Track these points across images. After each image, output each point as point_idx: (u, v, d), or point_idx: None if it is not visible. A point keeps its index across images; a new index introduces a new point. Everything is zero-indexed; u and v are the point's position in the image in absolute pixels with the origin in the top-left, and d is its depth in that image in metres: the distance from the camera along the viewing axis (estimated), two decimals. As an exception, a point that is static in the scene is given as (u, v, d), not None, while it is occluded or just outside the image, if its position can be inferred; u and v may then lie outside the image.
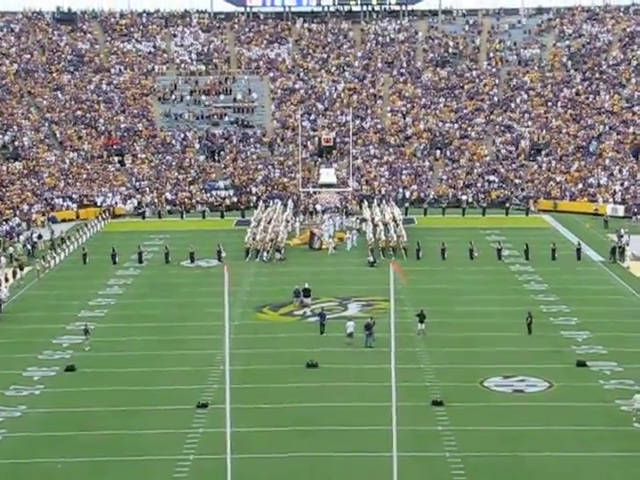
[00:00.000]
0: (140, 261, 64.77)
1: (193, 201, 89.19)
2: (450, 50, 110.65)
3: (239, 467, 27.96)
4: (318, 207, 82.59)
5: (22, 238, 74.38)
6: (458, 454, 32.55)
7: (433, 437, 34.57)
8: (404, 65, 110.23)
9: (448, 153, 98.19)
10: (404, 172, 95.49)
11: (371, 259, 65.57)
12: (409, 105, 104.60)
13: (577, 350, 45.15)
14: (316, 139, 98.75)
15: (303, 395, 38.88)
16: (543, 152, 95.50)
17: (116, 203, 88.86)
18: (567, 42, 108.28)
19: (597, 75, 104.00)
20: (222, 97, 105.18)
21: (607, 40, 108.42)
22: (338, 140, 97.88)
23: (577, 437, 34.98)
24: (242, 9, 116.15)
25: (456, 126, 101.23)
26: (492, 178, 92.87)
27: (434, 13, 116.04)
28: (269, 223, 74.18)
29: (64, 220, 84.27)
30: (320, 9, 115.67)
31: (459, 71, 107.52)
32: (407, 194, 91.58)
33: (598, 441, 34.46)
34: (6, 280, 60.83)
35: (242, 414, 33.74)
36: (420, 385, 39.49)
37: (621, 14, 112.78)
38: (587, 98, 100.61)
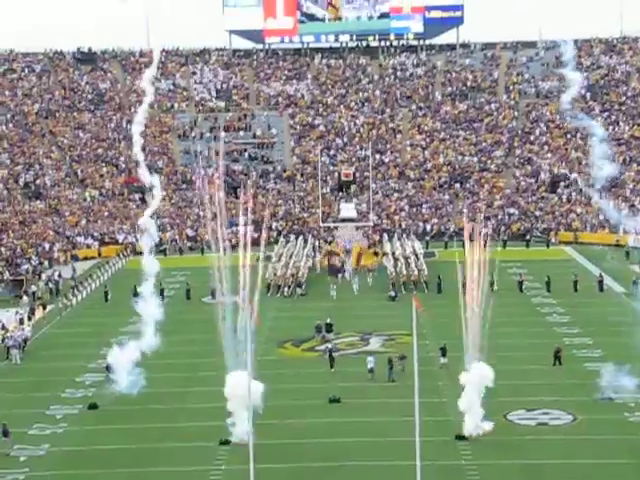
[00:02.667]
0: (162, 297, 65.01)
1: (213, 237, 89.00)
2: (469, 83, 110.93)
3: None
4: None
5: (44, 277, 74.69)
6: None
7: (457, 471, 34.50)
8: (423, 99, 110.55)
9: (468, 186, 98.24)
10: (424, 206, 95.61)
11: (392, 293, 65.60)
12: (428, 139, 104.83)
13: (601, 382, 44.94)
14: (336, 174, 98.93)
15: (326, 431, 38.80)
16: (562, 184, 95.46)
17: (137, 240, 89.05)
18: (585, 74, 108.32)
19: (616, 107, 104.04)
20: (242, 133, 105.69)
21: (625, 71, 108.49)
22: (358, 175, 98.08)
23: (602, 471, 34.81)
24: (260, 46, 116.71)
25: (475, 159, 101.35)
26: (512, 210, 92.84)
27: (452, 47, 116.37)
28: (290, 258, 74.34)
29: (86, 258, 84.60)
30: (338, 45, 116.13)
31: (478, 104, 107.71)
32: (427, 227, 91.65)
33: (623, 475, 34.31)
34: (29, 319, 61.10)
35: (265, 450, 33.69)
36: (444, 419, 39.39)
37: (639, 45, 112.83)
38: (607, 129, 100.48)
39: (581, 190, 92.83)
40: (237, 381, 35.90)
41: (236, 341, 33.99)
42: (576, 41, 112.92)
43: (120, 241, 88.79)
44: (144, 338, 47.60)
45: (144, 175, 62.89)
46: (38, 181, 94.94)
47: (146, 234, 60.29)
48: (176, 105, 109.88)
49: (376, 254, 77.33)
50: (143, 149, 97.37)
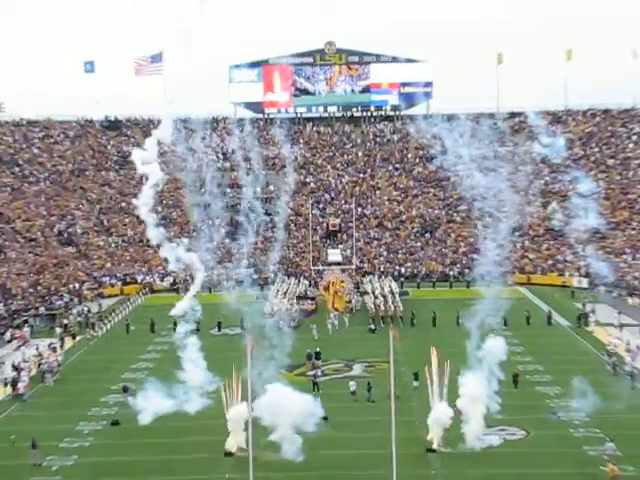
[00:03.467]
0: (175, 330, 64.80)
1: (220, 278, 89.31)
2: (438, 148, 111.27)
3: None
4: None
5: (74, 311, 74.66)
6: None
7: (427, 479, 34.54)
8: (398, 161, 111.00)
9: (437, 235, 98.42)
10: (399, 252, 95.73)
11: (372, 326, 65.59)
12: (403, 194, 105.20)
13: (550, 403, 45.02)
14: (324, 224, 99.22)
15: (317, 444, 38.66)
16: (517, 233, 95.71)
17: (154, 280, 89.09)
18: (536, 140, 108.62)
19: (562, 168, 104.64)
20: (244, 190, 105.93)
21: (569, 139, 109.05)
22: (343, 225, 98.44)
23: (549, 476, 35.03)
24: (260, 115, 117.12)
25: (443, 212, 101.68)
26: (475, 256, 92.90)
27: (423, 117, 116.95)
28: (285, 295, 74.32)
29: (110, 296, 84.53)
30: (327, 115, 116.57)
31: (445, 166, 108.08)
32: (402, 270, 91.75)
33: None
34: (61, 347, 61.07)
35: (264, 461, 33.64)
36: (415, 435, 39.29)
37: (580, 117, 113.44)
38: (554, 187, 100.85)
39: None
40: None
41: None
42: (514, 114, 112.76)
43: (139, 281, 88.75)
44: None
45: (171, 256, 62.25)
46: (70, 230, 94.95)
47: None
48: (189, 165, 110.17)
49: (362, 294, 77.29)
50: (160, 202, 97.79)
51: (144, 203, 61.35)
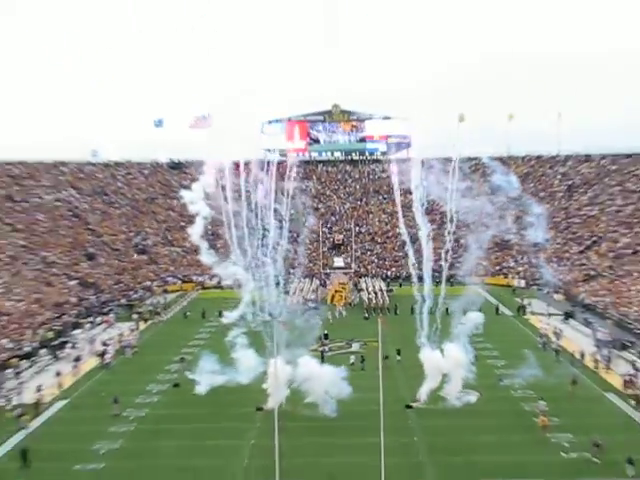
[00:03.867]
0: (220, 317, 64.94)
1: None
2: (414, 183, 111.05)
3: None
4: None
5: (146, 302, 74.90)
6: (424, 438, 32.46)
7: (406, 429, 34.60)
8: (386, 192, 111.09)
9: (415, 247, 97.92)
10: (387, 259, 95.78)
11: (366, 315, 65.69)
12: (389, 217, 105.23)
13: (497, 372, 45.02)
14: (331, 239, 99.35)
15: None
16: (474, 246, 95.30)
17: (205, 280, 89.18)
18: (489, 178, 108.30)
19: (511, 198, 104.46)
20: (271, 212, 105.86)
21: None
22: (345, 239, 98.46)
23: (497, 424, 35.28)
24: (284, 158, 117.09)
25: (420, 232, 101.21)
26: (442, 264, 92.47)
27: (403, 160, 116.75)
28: (301, 291, 74.54)
29: (172, 291, 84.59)
30: (333, 158, 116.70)
31: (420, 195, 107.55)
32: (389, 273, 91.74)
33: (510, 429, 34.36)
34: (137, 329, 61.36)
35: (289, 420, 33.52)
36: (397, 393, 39.30)
37: (519, 161, 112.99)
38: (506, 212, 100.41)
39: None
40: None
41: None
42: (480, 158, 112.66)
43: (194, 280, 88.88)
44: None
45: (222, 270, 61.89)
46: (143, 242, 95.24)
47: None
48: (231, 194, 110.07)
49: (359, 291, 77.19)
50: (210, 226, 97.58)
51: (196, 232, 61.85)
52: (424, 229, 50.02)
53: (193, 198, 61.11)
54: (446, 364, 39.64)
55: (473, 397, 39.39)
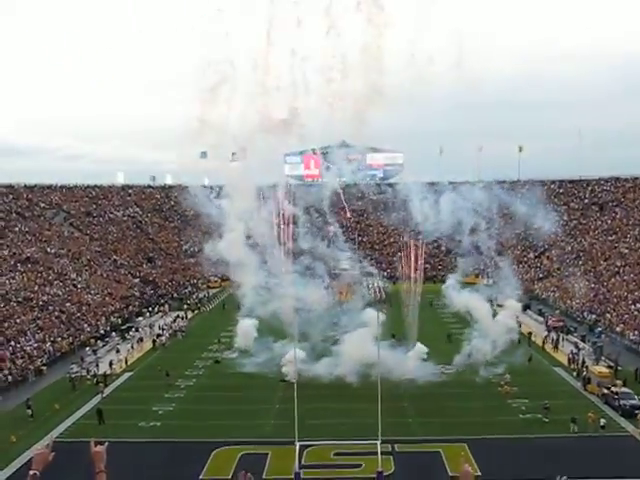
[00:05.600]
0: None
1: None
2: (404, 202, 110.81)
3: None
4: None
5: (194, 296, 75.35)
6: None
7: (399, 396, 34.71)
8: (382, 209, 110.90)
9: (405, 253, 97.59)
10: (383, 262, 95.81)
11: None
12: (385, 229, 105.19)
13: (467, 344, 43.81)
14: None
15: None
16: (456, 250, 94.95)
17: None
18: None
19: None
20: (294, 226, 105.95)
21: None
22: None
23: (469, 395, 35.02)
24: (301, 182, 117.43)
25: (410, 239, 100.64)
26: (427, 265, 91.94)
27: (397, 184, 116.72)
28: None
29: (214, 287, 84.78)
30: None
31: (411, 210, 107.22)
32: (385, 273, 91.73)
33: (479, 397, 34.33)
34: (186, 317, 61.77)
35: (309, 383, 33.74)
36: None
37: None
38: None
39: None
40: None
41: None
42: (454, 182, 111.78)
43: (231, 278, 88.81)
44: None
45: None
46: (192, 248, 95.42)
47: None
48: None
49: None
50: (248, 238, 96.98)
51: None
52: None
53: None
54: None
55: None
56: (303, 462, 25.74)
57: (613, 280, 60.91)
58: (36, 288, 57.10)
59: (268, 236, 48.94)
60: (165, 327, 55.65)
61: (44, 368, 42.25)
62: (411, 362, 38.99)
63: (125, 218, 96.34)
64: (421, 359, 39.34)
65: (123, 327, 56.00)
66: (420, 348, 39.71)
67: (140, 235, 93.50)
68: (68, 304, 56.91)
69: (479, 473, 23.34)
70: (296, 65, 37.52)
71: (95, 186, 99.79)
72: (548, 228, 69.33)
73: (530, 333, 49.43)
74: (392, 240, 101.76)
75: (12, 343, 44.48)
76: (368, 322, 36.86)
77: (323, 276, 65.57)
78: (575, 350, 43.58)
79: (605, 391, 33.83)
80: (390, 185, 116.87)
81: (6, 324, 47.15)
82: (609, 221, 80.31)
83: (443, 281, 77.99)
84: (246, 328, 45.69)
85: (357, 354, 36.93)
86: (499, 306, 58.82)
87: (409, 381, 37.46)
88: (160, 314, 64.10)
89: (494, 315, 43.73)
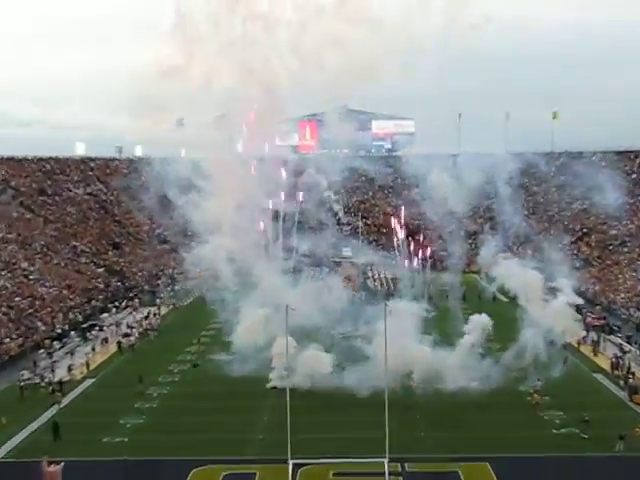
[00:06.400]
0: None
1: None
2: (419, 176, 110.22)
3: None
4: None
5: (168, 289, 74.92)
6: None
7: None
8: (391, 187, 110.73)
9: (416, 238, 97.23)
10: (390, 250, 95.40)
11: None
12: (394, 209, 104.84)
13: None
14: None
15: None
16: (469, 240, 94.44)
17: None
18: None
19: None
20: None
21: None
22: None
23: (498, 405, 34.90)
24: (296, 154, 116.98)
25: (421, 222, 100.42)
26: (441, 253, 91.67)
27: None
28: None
29: (192, 278, 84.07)
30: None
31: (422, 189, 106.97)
32: (393, 262, 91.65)
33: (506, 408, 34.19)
34: (159, 313, 61.72)
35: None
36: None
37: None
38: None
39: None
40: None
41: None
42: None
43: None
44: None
45: None
46: (165, 233, 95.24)
47: None
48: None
49: (365, 278, 77.65)
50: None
51: None
52: None
53: None
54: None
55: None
56: (297, 484, 25.65)
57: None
58: (-21, 279, 56.96)
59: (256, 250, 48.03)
60: (134, 325, 55.60)
61: (-11, 374, 42.11)
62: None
63: (86, 197, 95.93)
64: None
65: (84, 325, 55.92)
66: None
67: (104, 217, 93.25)
68: (18, 298, 56.70)
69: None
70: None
71: (50, 158, 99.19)
72: (612, 202, 67.67)
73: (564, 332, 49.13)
74: (399, 224, 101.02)
75: (-49, 344, 44.35)
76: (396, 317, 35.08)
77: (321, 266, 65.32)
78: (619, 353, 43.48)
79: (656, 402, 33.71)
80: (401, 157, 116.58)
81: (-56, 322, 47.00)
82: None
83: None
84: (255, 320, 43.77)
85: (395, 359, 35.87)
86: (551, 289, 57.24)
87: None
88: (128, 310, 64.02)
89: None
